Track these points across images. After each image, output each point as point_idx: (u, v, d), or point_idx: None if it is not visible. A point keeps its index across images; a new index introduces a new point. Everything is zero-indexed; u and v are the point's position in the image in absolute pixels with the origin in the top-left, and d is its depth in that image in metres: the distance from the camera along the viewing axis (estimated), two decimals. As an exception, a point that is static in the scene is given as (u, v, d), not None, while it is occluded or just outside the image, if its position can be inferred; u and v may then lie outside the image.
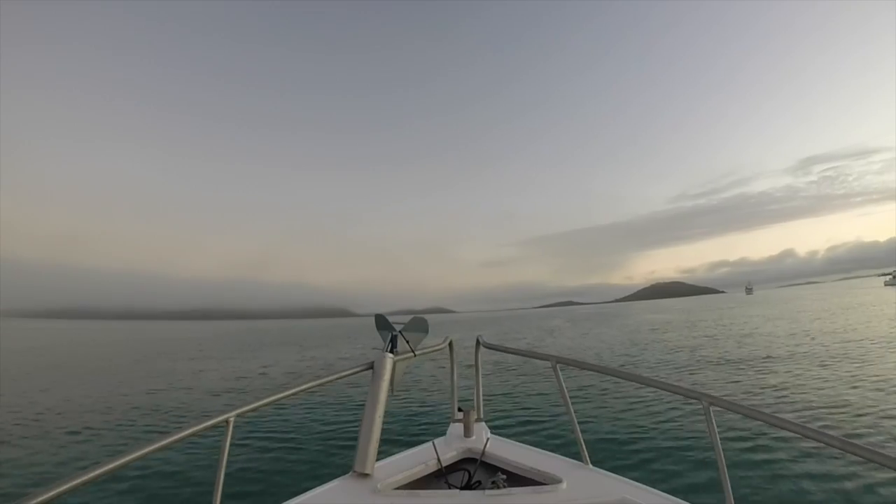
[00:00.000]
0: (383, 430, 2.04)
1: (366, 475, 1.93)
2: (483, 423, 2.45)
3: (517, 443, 2.33)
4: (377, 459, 2.01)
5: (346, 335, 40.10)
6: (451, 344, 2.59)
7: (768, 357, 12.67)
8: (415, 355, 2.32)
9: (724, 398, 1.69)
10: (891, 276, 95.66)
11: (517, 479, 2.00)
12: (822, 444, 1.44)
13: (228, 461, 1.64)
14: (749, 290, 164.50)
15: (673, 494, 1.72)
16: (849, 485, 4.31)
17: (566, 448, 5.23)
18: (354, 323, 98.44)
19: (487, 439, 2.25)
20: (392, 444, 5.86)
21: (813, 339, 16.24)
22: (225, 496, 1.59)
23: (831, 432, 1.41)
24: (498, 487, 1.90)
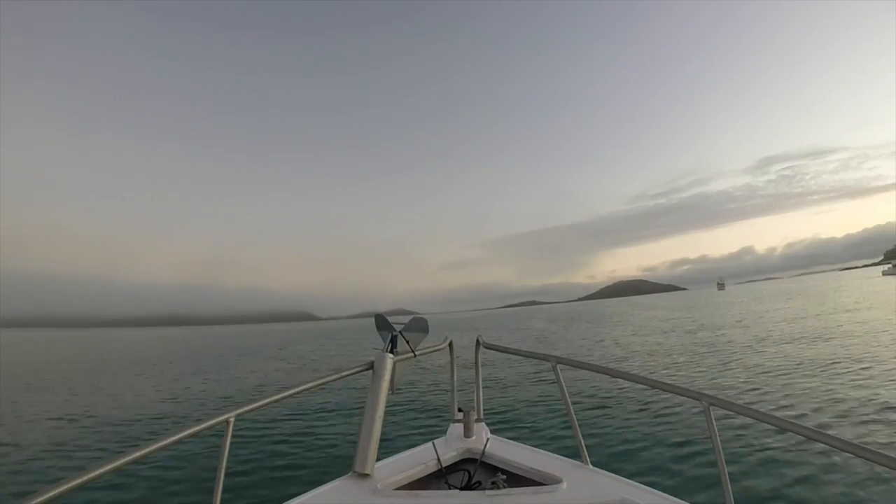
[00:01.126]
0: (383, 430, 2.04)
1: (366, 475, 1.93)
2: (483, 424, 2.45)
3: (517, 443, 2.33)
4: (377, 459, 2.01)
5: (314, 340, 37.84)
6: (451, 344, 2.59)
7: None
8: (415, 355, 2.32)
9: (724, 398, 1.69)
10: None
11: (517, 479, 2.00)
12: (822, 445, 1.44)
13: (228, 461, 1.64)
14: (721, 286, 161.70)
15: (673, 494, 1.72)
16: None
17: (566, 448, 5.22)
18: (319, 327, 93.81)
19: (487, 439, 2.25)
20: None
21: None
22: (225, 496, 1.59)
23: (832, 432, 1.41)
24: (498, 488, 1.90)
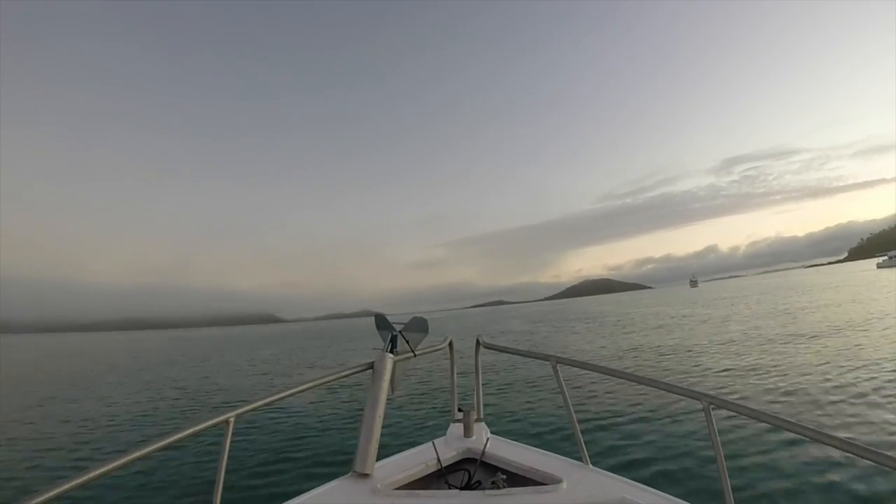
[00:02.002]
0: (383, 430, 2.04)
1: (366, 475, 1.93)
2: (483, 424, 2.45)
3: (517, 443, 2.33)
4: (377, 459, 2.01)
5: (277, 343, 35.95)
6: (451, 344, 2.59)
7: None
8: (415, 355, 2.32)
9: (724, 398, 1.69)
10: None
11: (517, 479, 2.00)
12: (822, 445, 1.44)
13: (228, 461, 1.64)
14: (694, 284, 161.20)
15: (673, 494, 1.72)
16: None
17: (566, 448, 5.21)
18: (284, 330, 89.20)
19: (487, 439, 2.25)
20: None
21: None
22: (225, 496, 1.59)
23: (832, 432, 1.41)
24: (498, 487, 1.90)
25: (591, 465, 2.03)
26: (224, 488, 1.60)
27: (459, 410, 2.43)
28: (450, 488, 1.97)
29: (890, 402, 6.81)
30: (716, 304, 37.54)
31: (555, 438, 6.27)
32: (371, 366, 2.15)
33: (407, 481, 1.99)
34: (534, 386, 10.07)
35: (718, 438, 1.65)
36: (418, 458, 2.12)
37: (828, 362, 10.01)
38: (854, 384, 7.99)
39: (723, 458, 1.63)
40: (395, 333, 2.35)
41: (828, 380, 8.53)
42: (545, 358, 2.35)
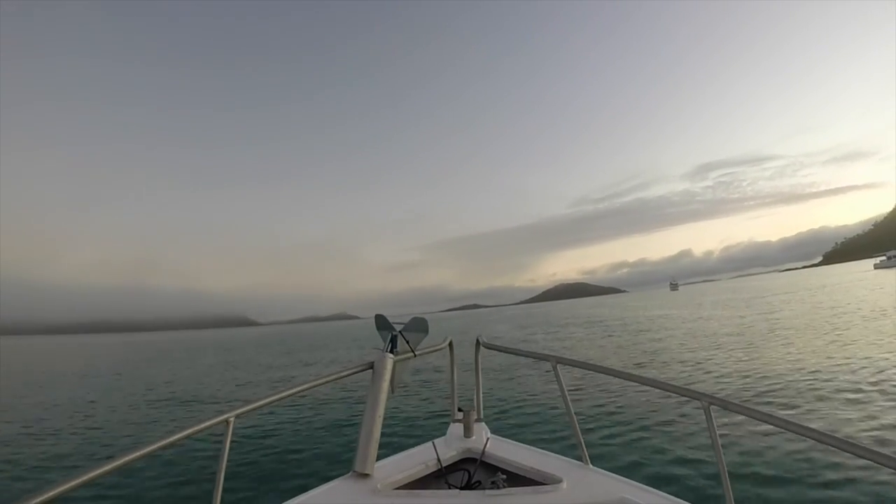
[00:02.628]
0: (383, 430, 2.04)
1: (366, 475, 1.94)
2: (483, 423, 2.45)
3: (517, 443, 2.33)
4: (377, 459, 2.01)
5: (255, 348, 33.87)
6: (451, 344, 2.59)
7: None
8: (415, 355, 2.32)
9: (724, 398, 1.69)
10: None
11: (517, 479, 2.00)
12: (822, 444, 1.44)
13: (228, 461, 1.64)
14: (674, 287, 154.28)
15: (673, 494, 1.72)
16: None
17: (566, 448, 5.20)
18: (258, 333, 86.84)
19: (487, 439, 2.25)
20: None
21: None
22: (225, 496, 1.59)
23: (831, 432, 1.41)
24: (498, 487, 1.90)
25: (591, 465, 2.03)
26: (224, 488, 1.60)
27: (459, 410, 2.43)
28: (450, 488, 1.97)
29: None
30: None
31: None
32: (371, 366, 2.15)
33: (407, 481, 1.99)
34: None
35: (718, 438, 1.65)
36: (418, 458, 2.12)
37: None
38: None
39: (723, 458, 1.63)
40: (395, 333, 2.35)
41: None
42: (545, 358, 2.35)
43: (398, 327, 2.39)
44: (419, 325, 2.38)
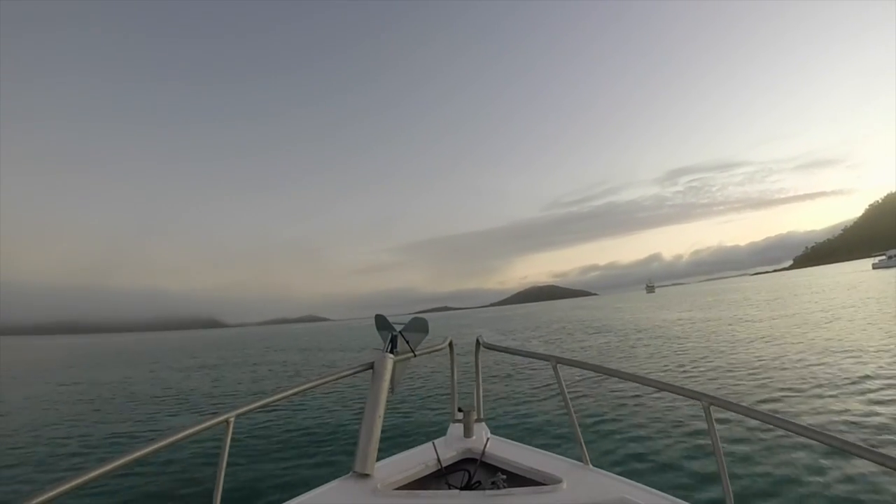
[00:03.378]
0: (383, 430, 2.04)
1: (366, 475, 1.93)
2: (483, 424, 2.45)
3: (517, 443, 2.33)
4: (377, 459, 2.01)
5: (228, 350, 32.46)
6: (451, 344, 2.59)
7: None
8: (415, 355, 2.32)
9: (724, 398, 1.69)
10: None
11: (517, 479, 2.00)
12: (822, 444, 1.44)
13: (228, 461, 1.64)
14: (650, 289, 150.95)
15: (673, 494, 1.72)
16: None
17: (566, 448, 5.20)
18: (227, 335, 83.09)
19: (487, 439, 2.25)
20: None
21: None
22: (225, 496, 1.59)
23: (831, 432, 1.41)
24: (498, 488, 1.90)
25: (591, 465, 2.03)
26: (224, 488, 1.60)
27: (459, 410, 2.43)
28: (450, 488, 1.97)
29: None
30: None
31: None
32: (371, 366, 2.15)
33: (407, 481, 1.99)
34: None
35: (718, 438, 1.66)
36: (418, 458, 2.12)
37: None
38: None
39: (723, 458, 1.63)
40: (395, 333, 2.35)
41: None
42: (545, 358, 2.35)
43: (399, 327, 2.39)
44: (419, 325, 2.38)
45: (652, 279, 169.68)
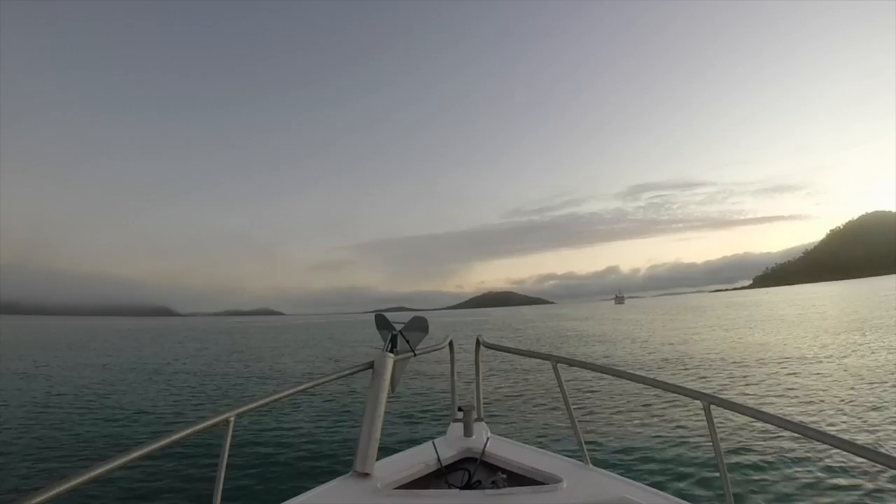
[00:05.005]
0: (383, 430, 2.04)
1: (366, 475, 1.93)
2: (483, 423, 2.45)
3: (517, 442, 2.34)
4: (377, 459, 2.01)
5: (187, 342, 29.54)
6: (451, 344, 2.59)
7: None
8: (415, 355, 2.32)
9: (724, 398, 1.69)
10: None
11: (517, 478, 2.00)
12: (822, 444, 1.44)
13: (228, 461, 1.63)
14: (619, 300, 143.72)
15: (673, 494, 1.72)
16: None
17: (566, 448, 5.19)
18: (180, 325, 79.92)
19: (487, 439, 2.25)
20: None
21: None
22: (225, 496, 1.59)
23: (831, 432, 1.41)
24: (498, 487, 1.90)
25: (591, 465, 2.03)
26: (224, 488, 1.60)
27: (459, 410, 2.43)
28: (450, 488, 1.97)
29: None
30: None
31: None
32: (371, 365, 2.15)
33: (407, 481, 1.99)
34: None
35: (718, 438, 1.66)
36: (418, 458, 2.12)
37: None
38: None
39: (723, 458, 1.63)
40: (395, 333, 2.35)
41: None
42: (545, 358, 2.35)
43: (398, 326, 2.39)
44: (419, 325, 2.38)
45: (621, 290, 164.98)
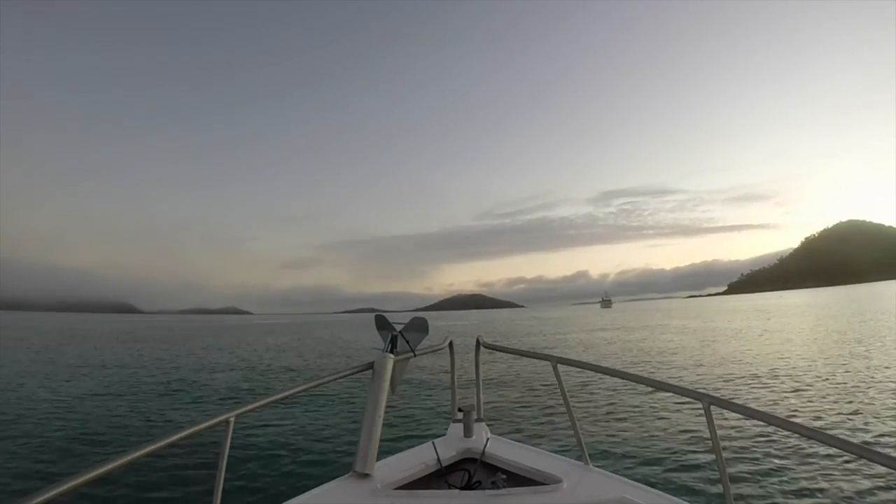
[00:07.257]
0: (383, 430, 2.04)
1: (366, 475, 1.93)
2: (483, 423, 2.45)
3: (517, 443, 2.34)
4: (377, 459, 2.01)
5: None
6: (451, 344, 2.59)
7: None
8: (415, 355, 2.32)
9: (724, 398, 1.69)
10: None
11: (517, 479, 2.00)
12: (822, 444, 1.44)
13: (228, 461, 1.64)
14: (606, 304, 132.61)
15: (673, 494, 1.72)
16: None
17: (566, 448, 5.20)
18: (148, 323, 76.97)
19: (487, 439, 2.25)
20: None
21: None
22: (225, 496, 1.59)
23: (831, 432, 1.41)
24: (498, 487, 1.90)
25: (591, 465, 2.03)
26: (224, 489, 1.60)
27: (459, 410, 2.43)
28: (450, 488, 1.97)
29: None
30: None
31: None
32: (371, 366, 2.15)
33: (407, 481, 1.99)
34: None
35: (718, 438, 1.66)
36: (418, 458, 2.12)
37: None
38: None
39: (723, 458, 1.63)
40: (395, 333, 2.35)
41: None
42: (545, 358, 2.35)
43: (398, 327, 2.38)
44: (419, 325, 2.38)
45: (608, 292, 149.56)
